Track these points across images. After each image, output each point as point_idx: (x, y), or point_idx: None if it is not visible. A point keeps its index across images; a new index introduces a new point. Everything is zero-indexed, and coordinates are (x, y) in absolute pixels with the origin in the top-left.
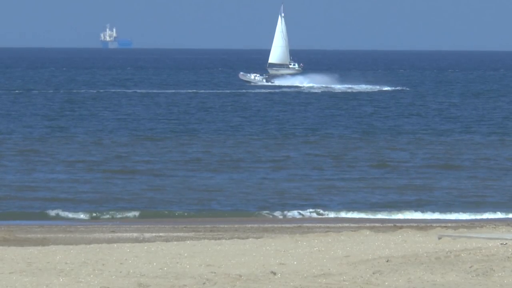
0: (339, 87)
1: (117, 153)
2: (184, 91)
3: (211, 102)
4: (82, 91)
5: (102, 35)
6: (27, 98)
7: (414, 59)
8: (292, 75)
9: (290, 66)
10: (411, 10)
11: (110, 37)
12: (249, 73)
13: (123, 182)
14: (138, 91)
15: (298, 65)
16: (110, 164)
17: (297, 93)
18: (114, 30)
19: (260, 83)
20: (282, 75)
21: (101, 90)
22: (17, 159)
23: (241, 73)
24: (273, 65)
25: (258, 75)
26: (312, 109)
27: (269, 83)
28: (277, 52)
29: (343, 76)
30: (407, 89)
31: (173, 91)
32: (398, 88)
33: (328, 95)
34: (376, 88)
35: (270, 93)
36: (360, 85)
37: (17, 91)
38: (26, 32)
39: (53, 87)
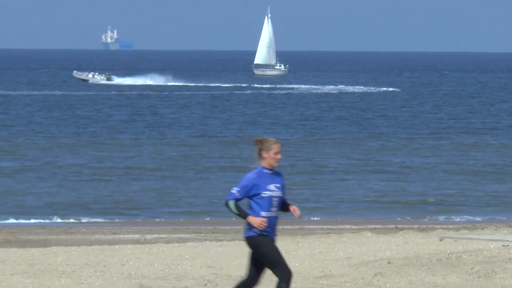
0: (327, 87)
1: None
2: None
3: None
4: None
5: (103, 36)
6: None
7: (405, 61)
8: (279, 76)
9: (276, 67)
10: (403, 10)
11: (111, 38)
12: (87, 72)
13: (121, 183)
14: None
15: (284, 66)
16: (108, 166)
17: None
18: (115, 31)
19: (101, 82)
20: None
21: None
22: (15, 159)
23: (75, 71)
24: (259, 66)
25: (97, 73)
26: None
27: (110, 82)
28: (263, 52)
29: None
30: (396, 89)
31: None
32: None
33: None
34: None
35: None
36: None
37: None
38: (27, 33)
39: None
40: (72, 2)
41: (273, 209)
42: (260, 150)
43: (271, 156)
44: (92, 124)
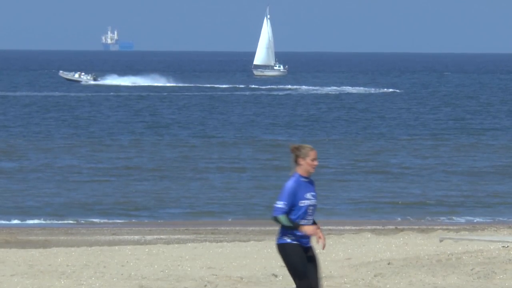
0: (328, 88)
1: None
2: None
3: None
4: None
5: (103, 37)
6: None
7: (404, 62)
8: (278, 76)
9: (275, 67)
10: (402, 11)
11: (111, 39)
12: (73, 71)
13: (120, 184)
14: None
15: (283, 66)
16: (108, 166)
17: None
18: (116, 32)
19: (89, 83)
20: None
21: None
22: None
23: (61, 71)
24: (258, 67)
25: (84, 73)
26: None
27: (97, 82)
28: (262, 53)
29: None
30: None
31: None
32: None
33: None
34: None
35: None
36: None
37: None
38: (26, 34)
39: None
40: (72, 3)
41: (309, 217)
42: (297, 157)
43: (308, 163)
44: (91, 125)
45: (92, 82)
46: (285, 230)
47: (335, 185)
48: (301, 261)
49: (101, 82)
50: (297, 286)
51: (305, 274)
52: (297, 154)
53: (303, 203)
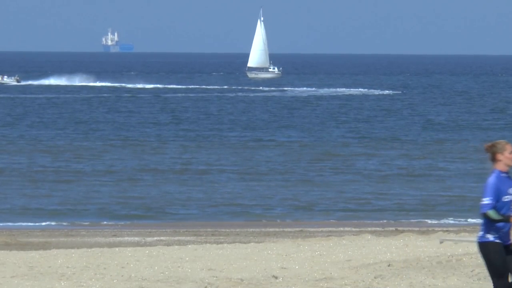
0: (325, 90)
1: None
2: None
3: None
4: None
5: (103, 39)
6: None
7: (400, 64)
8: (272, 78)
9: (270, 69)
10: (397, 13)
11: (111, 41)
12: None
13: (120, 186)
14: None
15: (278, 68)
16: (107, 168)
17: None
18: (116, 34)
19: (11, 84)
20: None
21: None
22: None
23: None
24: (252, 69)
25: (6, 76)
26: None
27: (20, 84)
28: (257, 56)
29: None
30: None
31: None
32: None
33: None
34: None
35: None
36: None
37: None
38: (27, 35)
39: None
40: (73, 5)
41: (510, 212)
42: (494, 154)
43: (506, 157)
44: (89, 126)
45: (15, 83)
46: (488, 228)
47: (335, 186)
48: (502, 261)
49: (24, 83)
50: (494, 285)
51: (504, 274)
52: (493, 151)
53: (506, 198)
